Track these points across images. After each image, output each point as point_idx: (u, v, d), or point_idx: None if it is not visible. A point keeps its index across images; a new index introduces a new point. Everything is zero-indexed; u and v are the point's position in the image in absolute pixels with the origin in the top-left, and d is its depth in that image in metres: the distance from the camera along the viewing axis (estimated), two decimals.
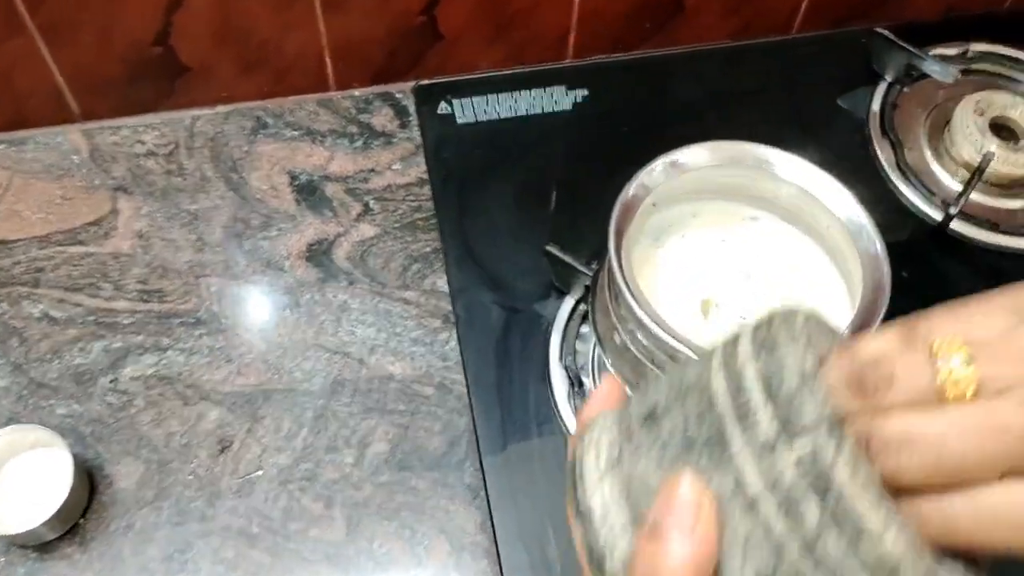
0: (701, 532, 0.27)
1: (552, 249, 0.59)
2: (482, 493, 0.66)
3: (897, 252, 0.65)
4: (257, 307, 0.74)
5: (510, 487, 0.56)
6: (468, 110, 0.71)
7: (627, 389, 0.37)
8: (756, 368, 0.28)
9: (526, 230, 0.64)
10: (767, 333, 0.29)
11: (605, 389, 0.35)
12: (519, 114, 0.71)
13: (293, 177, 0.81)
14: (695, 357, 0.45)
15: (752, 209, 0.56)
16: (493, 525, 0.54)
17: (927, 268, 0.67)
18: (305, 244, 0.78)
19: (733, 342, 0.30)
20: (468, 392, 0.58)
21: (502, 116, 0.71)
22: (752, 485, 0.27)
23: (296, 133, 0.84)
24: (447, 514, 0.66)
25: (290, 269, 0.76)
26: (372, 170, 0.82)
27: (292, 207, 0.79)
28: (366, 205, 0.80)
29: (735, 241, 0.56)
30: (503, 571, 0.57)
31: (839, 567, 0.26)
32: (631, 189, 0.49)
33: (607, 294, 0.51)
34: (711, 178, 0.54)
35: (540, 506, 0.55)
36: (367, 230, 0.78)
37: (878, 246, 0.49)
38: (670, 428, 0.30)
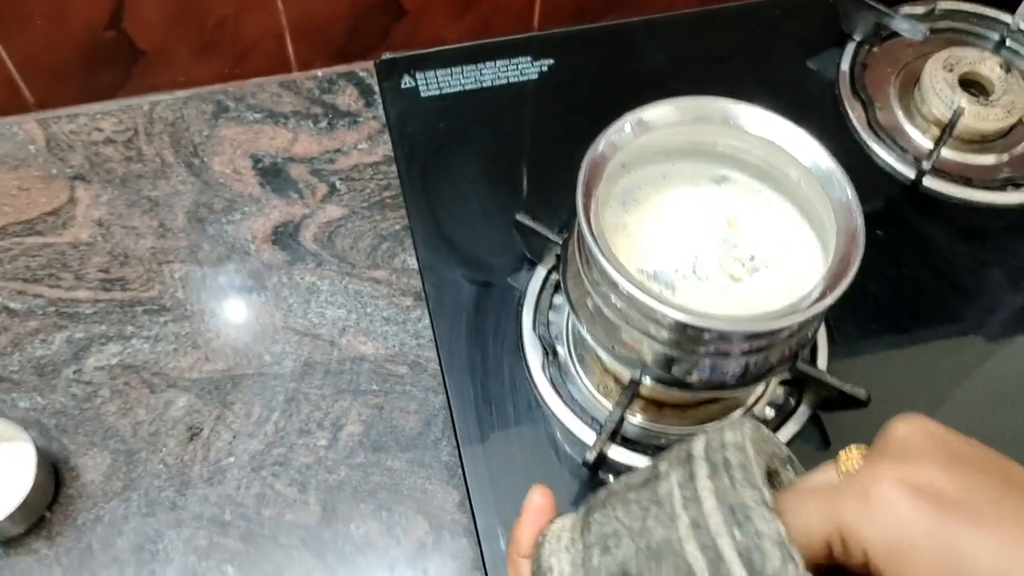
0: None
1: (522, 218, 0.57)
2: (459, 472, 0.65)
3: (871, 211, 0.64)
4: (223, 292, 0.72)
5: (487, 462, 0.54)
6: (432, 83, 0.69)
7: (554, 504, 0.37)
8: (732, 543, 0.29)
9: (495, 202, 0.63)
10: (732, 490, 0.30)
11: (537, 504, 0.36)
12: (484, 86, 0.69)
13: (256, 160, 0.79)
14: (677, 316, 0.44)
15: (722, 168, 0.55)
16: (470, 501, 0.53)
17: (901, 225, 0.67)
18: (271, 227, 0.76)
19: (693, 489, 0.31)
20: (441, 369, 0.56)
21: (467, 88, 0.69)
22: None
23: (258, 116, 0.82)
24: (424, 494, 0.64)
25: (256, 252, 0.74)
26: (337, 150, 0.80)
27: (256, 190, 0.78)
28: (332, 186, 0.78)
29: (706, 201, 0.55)
30: (482, 548, 0.56)
31: None
32: (600, 146, 0.48)
33: (578, 258, 0.49)
34: (679, 137, 0.53)
35: (518, 479, 0.54)
36: (334, 211, 0.77)
37: (849, 193, 0.48)
38: None
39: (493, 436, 0.55)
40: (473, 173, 0.65)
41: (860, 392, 0.53)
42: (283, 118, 0.82)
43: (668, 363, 0.48)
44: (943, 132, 0.68)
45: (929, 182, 0.68)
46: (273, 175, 0.79)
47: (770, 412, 0.59)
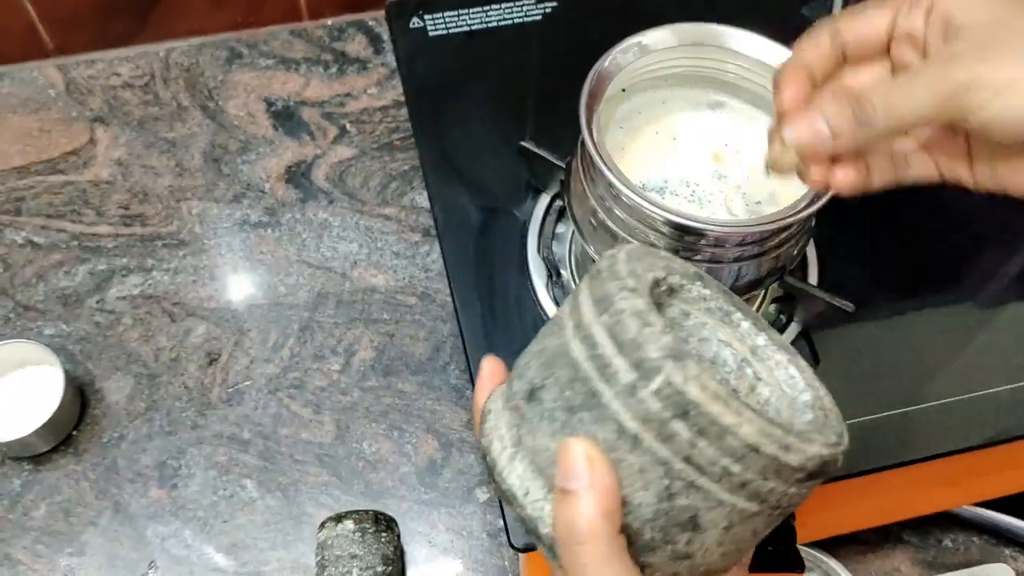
0: (599, 483, 0.32)
1: (527, 144, 0.60)
2: (468, 393, 0.68)
3: None
4: (239, 227, 0.75)
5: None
6: (440, 23, 0.72)
7: (503, 367, 0.40)
8: (601, 325, 0.33)
9: (501, 135, 0.65)
10: (600, 287, 0.34)
11: (487, 370, 0.40)
12: (490, 26, 0.72)
13: (269, 104, 0.82)
14: (675, 219, 0.47)
15: (719, 94, 0.58)
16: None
17: None
18: (284, 166, 0.79)
19: (575, 302, 0.35)
20: (450, 286, 0.59)
21: (473, 28, 0.71)
22: (630, 425, 0.32)
23: (270, 62, 0.84)
24: (434, 414, 0.68)
25: (270, 190, 0.77)
26: (348, 95, 0.83)
27: (269, 132, 0.80)
28: (343, 128, 0.81)
29: (703, 127, 0.57)
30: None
31: (714, 464, 0.31)
32: (605, 62, 0.51)
33: (582, 175, 0.52)
34: (677, 62, 0.56)
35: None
36: (344, 152, 0.79)
37: None
38: (551, 399, 0.34)
39: (499, 349, 0.57)
40: (480, 108, 0.68)
41: (847, 304, 0.55)
42: (295, 64, 0.84)
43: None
44: None
45: None
46: (286, 118, 0.81)
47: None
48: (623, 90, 0.56)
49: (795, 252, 0.55)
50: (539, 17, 0.73)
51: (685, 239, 0.49)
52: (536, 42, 0.72)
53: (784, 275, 0.56)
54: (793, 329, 0.60)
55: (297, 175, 0.78)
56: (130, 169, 0.78)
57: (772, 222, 0.48)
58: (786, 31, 0.71)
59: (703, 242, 0.49)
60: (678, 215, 0.47)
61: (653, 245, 0.50)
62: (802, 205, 0.49)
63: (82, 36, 0.83)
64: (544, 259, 0.62)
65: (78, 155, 0.78)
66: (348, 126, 0.81)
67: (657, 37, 0.52)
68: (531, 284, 0.61)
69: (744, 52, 0.54)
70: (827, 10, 0.78)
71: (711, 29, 0.53)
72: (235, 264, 0.74)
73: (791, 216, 0.48)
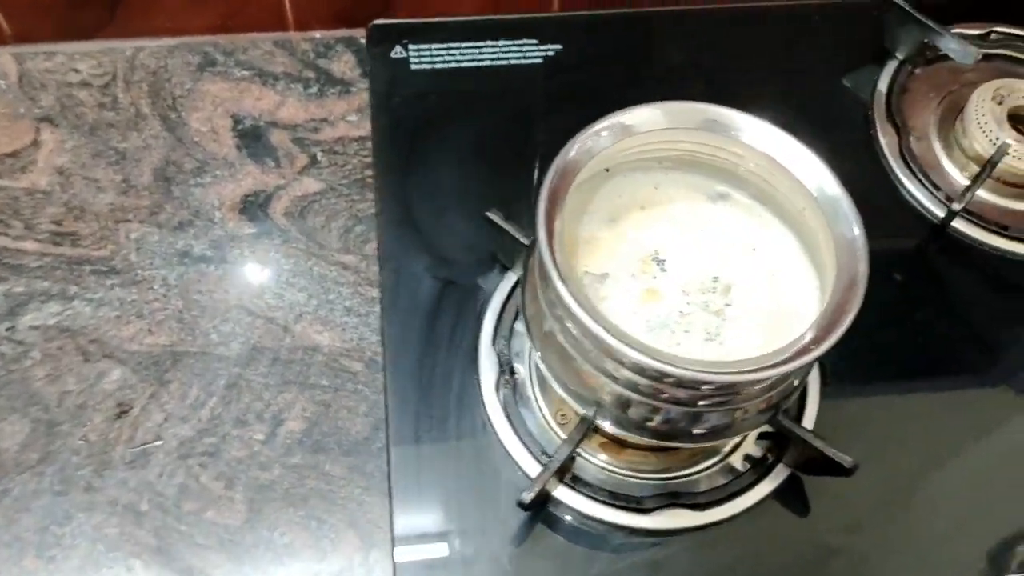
0: None
1: (493, 216, 0.51)
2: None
3: (892, 251, 0.57)
4: (179, 260, 0.67)
5: (417, 483, 0.49)
6: (425, 56, 0.63)
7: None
8: None
9: (474, 193, 0.57)
10: None
11: None
12: (482, 65, 0.63)
13: (237, 121, 0.74)
14: (633, 355, 0.38)
15: (721, 184, 0.49)
16: (392, 524, 0.47)
17: (923, 269, 0.60)
18: (240, 195, 0.70)
19: None
20: (384, 369, 0.51)
21: (462, 65, 0.63)
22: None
23: (246, 73, 0.76)
24: (360, 506, 0.59)
25: (220, 221, 0.69)
26: (324, 119, 0.74)
27: (232, 153, 0.72)
28: (313, 157, 0.72)
29: (699, 221, 0.48)
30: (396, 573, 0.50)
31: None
32: (571, 151, 0.42)
33: (536, 273, 0.43)
34: (671, 146, 0.47)
35: (450, 509, 0.48)
36: (311, 184, 0.71)
37: (856, 230, 0.41)
38: None
39: (429, 455, 0.49)
40: (455, 158, 0.59)
41: (846, 459, 0.46)
42: (272, 79, 0.76)
43: (626, 405, 0.42)
44: (982, 170, 0.60)
45: (960, 224, 0.61)
46: (252, 139, 0.73)
47: (744, 466, 0.52)
48: (606, 170, 0.47)
49: (793, 387, 0.46)
50: (539, 61, 0.65)
51: (648, 374, 0.40)
52: (531, 90, 0.63)
53: (777, 415, 0.47)
54: (781, 471, 0.51)
55: (254, 206, 0.70)
56: (71, 180, 0.70)
57: (758, 368, 0.39)
58: (820, 101, 0.62)
59: (669, 380, 0.40)
60: (641, 349, 0.38)
61: (608, 375, 0.41)
62: (800, 345, 0.40)
63: (44, 24, 0.76)
64: (498, 352, 0.53)
65: (17, 157, 0.71)
66: (319, 155, 0.72)
67: (643, 117, 0.43)
68: (478, 380, 0.52)
69: (750, 143, 0.44)
70: (869, 83, 0.69)
71: (709, 113, 0.44)
72: (167, 302, 0.65)
73: (784, 365, 0.39)
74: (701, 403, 0.42)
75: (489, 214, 0.51)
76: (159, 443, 0.60)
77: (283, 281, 0.67)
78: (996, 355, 0.56)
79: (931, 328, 0.55)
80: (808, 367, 0.43)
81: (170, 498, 0.58)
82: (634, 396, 0.41)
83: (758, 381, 0.39)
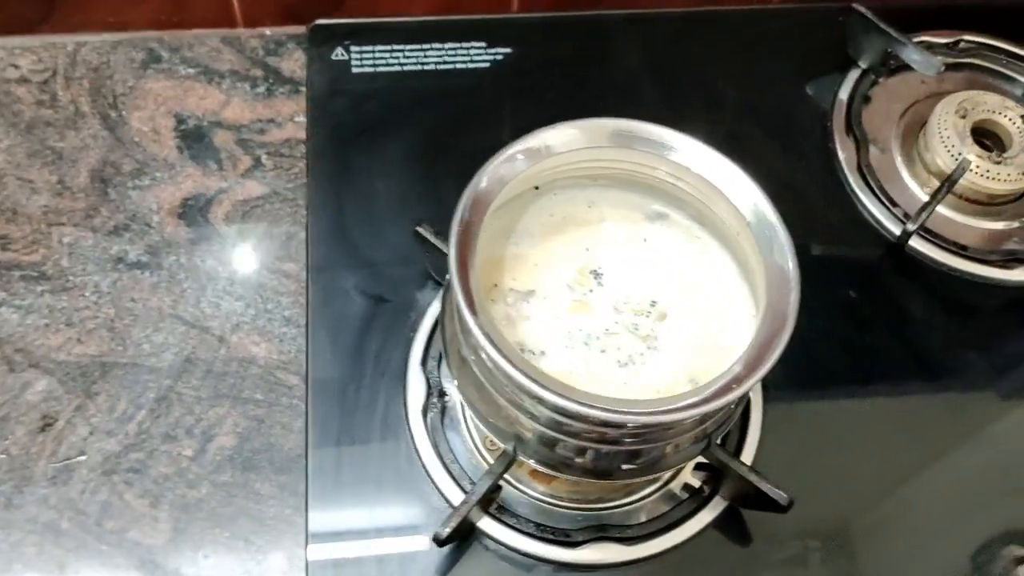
0: None
1: (423, 231, 0.49)
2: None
3: (847, 268, 0.55)
4: (113, 266, 0.65)
5: (336, 515, 0.46)
6: (367, 59, 0.61)
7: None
8: None
9: (411, 204, 0.54)
10: None
11: None
12: (426, 68, 0.61)
13: (180, 120, 0.71)
14: (543, 395, 0.35)
15: (658, 204, 0.46)
16: (306, 552, 0.45)
17: (877, 288, 0.58)
18: (180, 198, 0.68)
19: None
20: (306, 387, 0.48)
21: (406, 69, 0.60)
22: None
23: (191, 71, 0.74)
24: (291, 527, 0.57)
25: (158, 225, 0.67)
26: (271, 120, 0.72)
27: (172, 154, 0.70)
28: (257, 159, 0.70)
29: (636, 240, 0.46)
30: None
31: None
32: (483, 180, 0.40)
33: (451, 298, 0.41)
34: (605, 164, 0.44)
35: (367, 538, 0.46)
36: (253, 188, 0.69)
37: (789, 261, 0.39)
38: None
39: (350, 483, 0.47)
40: (393, 167, 0.57)
41: (781, 496, 0.44)
42: (218, 77, 0.74)
43: (549, 443, 0.40)
44: (940, 187, 0.58)
45: (917, 243, 0.58)
46: (195, 139, 0.70)
47: (683, 495, 0.50)
48: (535, 187, 0.45)
49: (728, 418, 0.44)
50: (487, 65, 0.62)
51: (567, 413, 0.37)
52: (477, 95, 0.61)
53: (710, 446, 0.45)
54: (718, 503, 0.49)
55: (193, 210, 0.67)
56: (4, 180, 0.67)
57: (677, 408, 0.36)
58: (779, 110, 0.59)
59: (590, 420, 0.37)
60: (553, 389, 0.36)
61: (526, 412, 0.38)
62: (727, 379, 0.37)
63: None
64: (427, 374, 0.50)
65: None
66: (264, 158, 0.70)
67: (563, 138, 0.41)
68: (405, 402, 0.50)
69: (685, 164, 0.42)
70: (831, 93, 0.66)
71: (636, 131, 0.42)
72: (98, 310, 0.63)
73: (705, 404, 0.36)
74: (628, 440, 0.39)
75: (420, 228, 0.49)
76: (83, 458, 0.58)
77: (220, 289, 0.65)
78: (949, 380, 0.54)
79: (883, 352, 0.53)
80: (738, 401, 0.41)
81: (92, 516, 0.56)
82: (556, 435, 0.39)
83: (678, 421, 0.37)
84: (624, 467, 0.41)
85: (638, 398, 0.38)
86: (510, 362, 0.35)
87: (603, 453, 0.39)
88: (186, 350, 0.62)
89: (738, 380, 0.36)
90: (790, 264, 0.39)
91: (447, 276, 0.45)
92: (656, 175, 0.44)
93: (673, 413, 0.36)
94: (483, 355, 0.38)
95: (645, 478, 0.45)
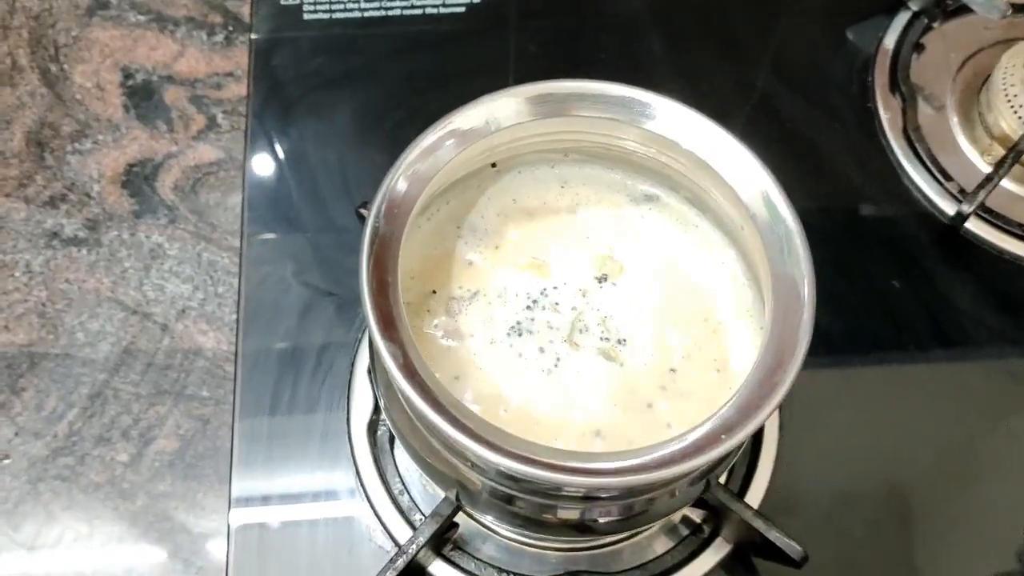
0: None
1: (366, 212, 0.41)
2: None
3: (888, 256, 0.46)
4: (46, 242, 0.58)
5: (260, 541, 0.39)
6: (323, 4, 0.52)
7: None
8: None
9: (364, 180, 0.46)
10: None
11: None
12: (390, 14, 0.52)
13: (127, 75, 0.63)
14: (481, 453, 0.27)
15: (647, 184, 0.38)
16: None
17: (926, 282, 0.48)
18: (124, 164, 0.60)
19: None
20: (234, 391, 0.41)
21: (366, 15, 0.51)
22: None
23: (142, 18, 0.65)
24: None
25: (99, 195, 0.59)
26: (229, 74, 0.63)
27: (118, 114, 0.62)
28: (212, 119, 0.62)
29: (617, 231, 0.37)
30: None
31: None
32: (398, 181, 0.31)
33: None
34: (578, 136, 0.35)
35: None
36: (206, 153, 0.61)
37: (804, 277, 0.30)
38: None
39: (277, 507, 0.39)
40: (344, 133, 0.48)
41: (795, 549, 0.36)
42: (172, 24, 0.65)
43: (504, 498, 0.32)
44: (1006, 156, 0.48)
45: (974, 225, 0.49)
46: (143, 96, 0.63)
47: (683, 528, 0.42)
48: (492, 165, 0.36)
49: (731, 456, 0.35)
50: (461, 10, 0.53)
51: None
52: (448, 46, 0.52)
53: (711, 488, 0.36)
54: (721, 546, 0.41)
55: (139, 178, 0.60)
56: None
57: (644, 469, 0.28)
58: (812, 60, 0.50)
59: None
60: (490, 445, 0.27)
61: (472, 466, 0.30)
62: (717, 424, 0.29)
63: None
64: (374, 383, 0.42)
65: None
66: (220, 117, 0.62)
67: (502, 110, 0.32)
68: (348, 416, 0.42)
69: (666, 133, 0.33)
70: (875, 37, 0.56)
71: (608, 93, 0.33)
72: (28, 293, 0.56)
73: (683, 462, 0.28)
74: (604, 497, 0.31)
75: (362, 209, 0.41)
76: (7, 462, 0.52)
77: (166, 269, 0.57)
78: (1014, 404, 0.45)
79: (931, 360, 0.44)
80: (733, 451, 0.32)
81: (13, 529, 0.50)
82: (510, 491, 0.31)
83: (649, 483, 0.29)
84: (603, 521, 0.33)
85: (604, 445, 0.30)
86: (435, 410, 0.27)
87: (574, 509, 0.31)
88: (125, 340, 0.55)
89: (729, 429, 0.28)
90: (805, 277, 0.30)
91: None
92: (642, 150, 0.35)
93: (642, 473, 0.28)
94: (400, 397, 0.30)
95: (631, 531, 0.37)
